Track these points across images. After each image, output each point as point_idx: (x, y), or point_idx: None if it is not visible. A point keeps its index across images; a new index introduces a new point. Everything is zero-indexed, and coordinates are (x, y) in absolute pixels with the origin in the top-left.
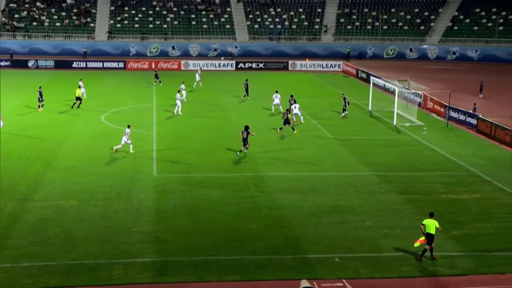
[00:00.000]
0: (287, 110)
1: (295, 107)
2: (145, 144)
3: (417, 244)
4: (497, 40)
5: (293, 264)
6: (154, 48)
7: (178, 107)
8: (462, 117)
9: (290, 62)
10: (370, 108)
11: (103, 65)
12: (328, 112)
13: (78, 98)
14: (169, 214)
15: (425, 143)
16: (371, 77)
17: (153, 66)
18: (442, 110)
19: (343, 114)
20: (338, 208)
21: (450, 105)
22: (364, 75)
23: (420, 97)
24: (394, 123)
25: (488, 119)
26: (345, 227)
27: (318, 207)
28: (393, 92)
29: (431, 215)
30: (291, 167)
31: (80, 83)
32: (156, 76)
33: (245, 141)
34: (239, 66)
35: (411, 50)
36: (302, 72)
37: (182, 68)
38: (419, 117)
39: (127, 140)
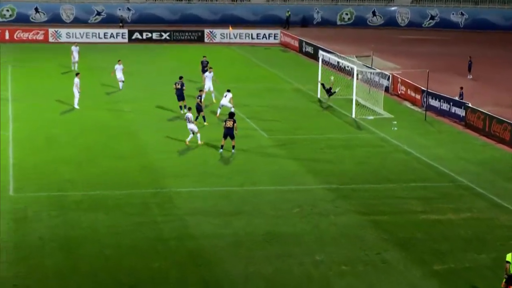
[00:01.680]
0: (199, 95)
1: (225, 96)
2: None
3: None
4: (489, 0)
5: None
6: (7, 10)
7: (76, 97)
8: (445, 106)
9: (206, 31)
10: (319, 96)
11: None
12: (261, 101)
13: None
14: (33, 251)
15: (395, 142)
16: (320, 52)
17: (6, 36)
18: (418, 97)
19: (324, 99)
20: (277, 236)
21: (429, 90)
22: (310, 49)
23: (388, 79)
24: (353, 115)
25: (480, 109)
26: (287, 262)
27: (248, 236)
28: (350, 73)
29: None
30: (208, 180)
31: None
32: None
33: (228, 133)
34: (133, 37)
35: (374, 13)
36: (223, 45)
37: (51, 39)
38: (386, 107)
39: None
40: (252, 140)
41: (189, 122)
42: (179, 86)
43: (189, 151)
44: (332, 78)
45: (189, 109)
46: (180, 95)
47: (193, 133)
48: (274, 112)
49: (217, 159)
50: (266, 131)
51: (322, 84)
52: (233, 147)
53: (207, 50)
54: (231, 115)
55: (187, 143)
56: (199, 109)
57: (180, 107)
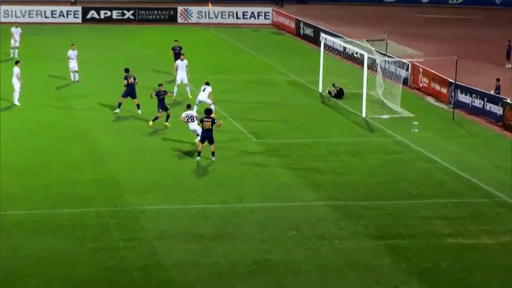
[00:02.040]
0: (159, 92)
1: (203, 90)
2: None
3: None
4: None
5: None
6: None
7: (16, 91)
8: (477, 102)
9: (180, 9)
10: (320, 90)
11: None
12: (249, 97)
13: None
14: None
15: (415, 148)
16: (322, 35)
17: None
18: (444, 91)
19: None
20: (267, 265)
21: (457, 83)
22: (309, 32)
23: (407, 69)
24: (363, 114)
25: None
26: None
27: (231, 266)
28: (359, 61)
29: None
30: (182, 195)
31: None
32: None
33: (207, 136)
34: (88, 17)
35: None
36: (201, 27)
37: None
38: (405, 104)
39: None
40: (237, 145)
41: (192, 121)
42: (131, 81)
43: (157, 159)
44: (335, 86)
45: (188, 106)
46: (132, 92)
47: (197, 135)
48: (264, 110)
49: (193, 169)
50: (254, 134)
51: (329, 92)
52: (213, 153)
53: (180, 33)
54: (208, 112)
55: (197, 142)
56: (161, 106)
57: (137, 106)
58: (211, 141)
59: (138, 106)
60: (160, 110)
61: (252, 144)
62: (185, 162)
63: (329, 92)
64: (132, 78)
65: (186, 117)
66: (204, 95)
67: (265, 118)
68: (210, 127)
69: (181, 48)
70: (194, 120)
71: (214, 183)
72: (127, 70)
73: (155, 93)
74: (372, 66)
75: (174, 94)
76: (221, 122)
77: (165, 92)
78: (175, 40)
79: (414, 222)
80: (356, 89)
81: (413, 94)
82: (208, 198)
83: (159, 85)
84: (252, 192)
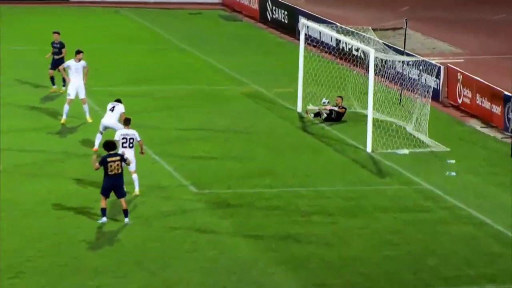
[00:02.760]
0: None
1: (111, 110)
2: None
3: None
4: None
5: None
6: None
7: None
8: None
9: None
10: (300, 108)
11: None
12: (184, 120)
13: None
14: None
15: (452, 202)
16: (302, 21)
17: None
18: (497, 110)
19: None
20: None
21: None
22: (281, 15)
23: (438, 75)
24: (368, 147)
25: None
26: None
27: None
28: (361, 63)
29: None
30: (68, 285)
31: None
32: None
33: (113, 185)
34: None
35: None
36: (106, 7)
37: None
38: (435, 131)
39: None
40: (165, 198)
41: (130, 147)
42: None
43: (34, 219)
44: (325, 101)
45: (127, 121)
46: None
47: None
48: (209, 142)
49: (91, 239)
50: (194, 181)
51: (318, 113)
52: (126, 212)
53: (74, 17)
54: (111, 145)
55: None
56: None
57: None
58: (120, 194)
59: None
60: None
61: (190, 196)
62: (79, 226)
63: (318, 114)
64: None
65: (123, 139)
66: (112, 118)
67: (210, 154)
68: (119, 171)
69: (62, 44)
70: (132, 146)
71: (126, 263)
72: None
73: None
74: (382, 70)
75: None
76: (143, 149)
77: None
78: (55, 32)
79: None
80: (356, 108)
81: (448, 114)
82: None
83: None
84: (189, 279)
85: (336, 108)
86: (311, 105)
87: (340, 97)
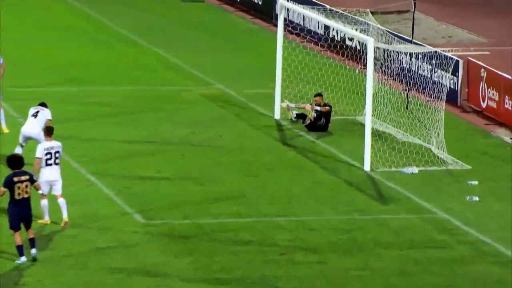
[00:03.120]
0: None
1: (34, 116)
2: None
3: None
4: None
5: None
6: None
7: None
8: None
9: None
10: (278, 114)
11: None
12: (132, 129)
13: None
14: None
15: (474, 235)
16: (281, 2)
17: None
18: None
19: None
20: None
21: None
22: None
23: (455, 72)
24: (366, 165)
25: None
26: None
27: None
28: (358, 56)
29: None
30: None
31: None
32: None
33: (21, 213)
34: None
35: None
36: None
37: None
38: (452, 143)
39: None
40: (104, 230)
41: (55, 163)
42: None
43: None
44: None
45: (49, 131)
46: None
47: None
48: (161, 157)
49: (10, 286)
50: (141, 208)
51: (301, 116)
52: (32, 242)
53: None
54: (15, 162)
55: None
56: None
57: None
58: (29, 224)
59: None
60: None
61: (135, 228)
62: None
63: (302, 115)
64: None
65: (47, 154)
66: (35, 126)
67: (162, 173)
68: (28, 195)
69: None
70: (58, 162)
71: None
72: None
73: None
74: (384, 65)
75: None
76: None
77: None
78: None
79: None
80: (351, 113)
81: (469, 122)
82: None
83: None
84: None
85: (318, 108)
86: (287, 102)
87: (319, 94)
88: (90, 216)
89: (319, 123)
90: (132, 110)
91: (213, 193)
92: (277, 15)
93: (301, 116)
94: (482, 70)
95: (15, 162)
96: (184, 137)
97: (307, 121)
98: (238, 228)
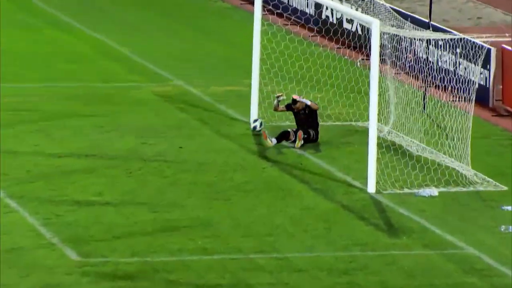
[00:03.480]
0: None
1: None
2: None
3: None
4: None
5: None
6: None
7: None
8: None
9: None
10: (254, 119)
11: None
12: (66, 140)
13: None
14: None
15: None
16: None
17: None
18: None
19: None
20: None
21: None
22: None
23: (487, 65)
24: (370, 187)
25: None
26: None
27: None
28: (358, 43)
29: None
30: None
31: None
32: None
33: None
34: None
35: None
36: None
37: None
38: (481, 156)
39: None
40: (26, 268)
41: None
42: None
43: None
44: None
45: None
46: None
47: None
48: (101, 175)
49: None
50: (75, 242)
51: (283, 136)
52: None
53: None
54: None
55: None
56: None
57: None
58: None
59: None
60: None
61: (67, 268)
62: None
63: (278, 139)
64: None
65: None
66: None
67: (103, 197)
68: None
69: None
70: None
71: None
72: None
73: None
74: (393, 55)
75: None
76: None
77: None
78: None
79: None
80: (349, 118)
81: (504, 129)
82: None
83: None
84: None
85: (308, 102)
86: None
87: (296, 99)
88: (9, 251)
89: (311, 138)
90: (63, 115)
91: (169, 222)
92: None
93: (283, 136)
94: None
95: None
96: (132, 150)
97: (292, 138)
98: (203, 268)
